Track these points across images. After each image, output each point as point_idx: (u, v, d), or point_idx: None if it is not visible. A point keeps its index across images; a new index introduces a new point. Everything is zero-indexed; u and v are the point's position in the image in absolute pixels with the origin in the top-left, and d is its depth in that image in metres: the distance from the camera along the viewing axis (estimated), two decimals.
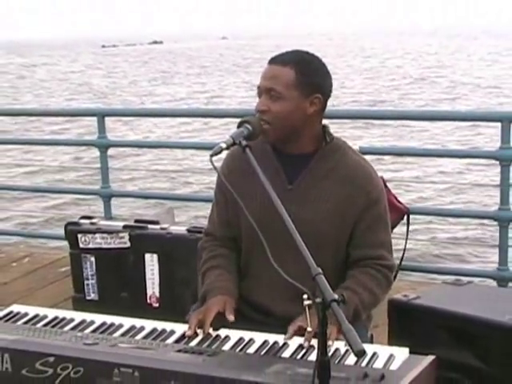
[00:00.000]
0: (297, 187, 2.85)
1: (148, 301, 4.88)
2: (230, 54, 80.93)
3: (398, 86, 37.34)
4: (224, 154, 2.77)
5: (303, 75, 2.78)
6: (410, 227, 5.27)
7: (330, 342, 2.46)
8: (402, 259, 5.26)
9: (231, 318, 2.68)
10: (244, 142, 2.56)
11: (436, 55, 65.55)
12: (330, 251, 2.82)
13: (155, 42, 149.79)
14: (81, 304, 5.01)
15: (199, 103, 31.48)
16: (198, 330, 2.62)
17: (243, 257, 2.99)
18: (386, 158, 14.05)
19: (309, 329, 2.42)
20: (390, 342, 3.05)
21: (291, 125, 2.79)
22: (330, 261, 2.81)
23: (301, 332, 2.51)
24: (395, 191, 5.16)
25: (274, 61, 2.83)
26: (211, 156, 2.50)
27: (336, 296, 2.02)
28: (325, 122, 2.94)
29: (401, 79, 41.28)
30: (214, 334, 2.62)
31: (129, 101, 34.00)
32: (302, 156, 2.88)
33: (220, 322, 2.68)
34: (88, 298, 5.08)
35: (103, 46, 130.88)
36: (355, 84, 38.49)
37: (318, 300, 2.02)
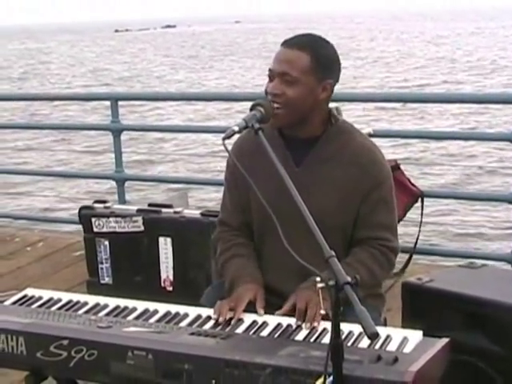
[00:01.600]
0: (303, 170, 2.84)
1: (162, 284, 4.89)
2: (253, 38, 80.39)
3: None
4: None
5: (318, 61, 2.77)
6: (425, 210, 5.25)
7: (315, 324, 2.50)
8: (416, 242, 5.25)
9: (261, 312, 2.66)
10: (257, 125, 2.55)
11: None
12: (338, 233, 2.81)
13: (168, 26, 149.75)
14: (95, 288, 5.02)
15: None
16: (229, 315, 2.62)
17: (256, 240, 2.99)
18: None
19: (322, 311, 2.43)
20: (404, 325, 3.04)
21: (302, 110, 2.78)
22: (339, 242, 2.81)
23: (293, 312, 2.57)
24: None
25: (288, 44, 2.80)
26: (224, 139, 2.50)
27: (349, 278, 2.02)
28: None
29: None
30: (246, 319, 2.61)
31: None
32: (308, 139, 2.87)
33: (250, 308, 2.67)
34: (102, 281, 5.09)
35: (116, 31, 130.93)
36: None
37: (331, 283, 2.02)
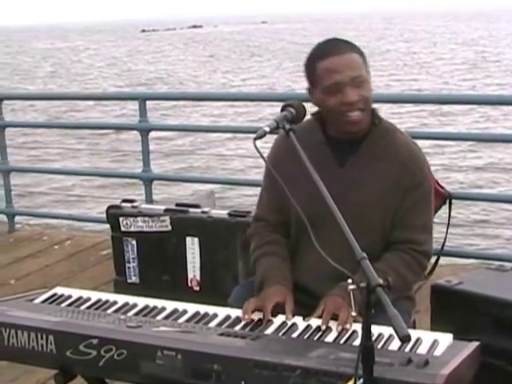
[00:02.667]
0: (347, 170, 2.84)
1: (189, 284, 4.90)
2: (281, 38, 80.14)
3: None
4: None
5: (363, 57, 2.82)
6: (453, 212, 5.23)
7: (347, 326, 2.50)
8: (443, 244, 5.22)
9: (290, 316, 2.64)
10: (288, 126, 2.54)
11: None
12: (378, 233, 2.82)
13: (194, 26, 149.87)
14: (122, 287, 5.05)
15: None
16: (254, 316, 2.61)
17: (292, 240, 2.97)
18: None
19: (353, 313, 2.42)
20: (433, 328, 3.03)
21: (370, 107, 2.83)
22: (379, 243, 2.81)
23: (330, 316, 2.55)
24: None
25: (339, 51, 2.78)
26: (255, 139, 2.49)
27: (381, 281, 2.01)
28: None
29: None
30: (256, 318, 2.61)
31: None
32: (351, 139, 2.86)
33: (277, 311, 2.66)
34: (129, 280, 5.12)
35: (143, 31, 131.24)
36: None
37: (363, 285, 2.02)
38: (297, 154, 2.54)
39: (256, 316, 2.61)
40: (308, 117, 2.83)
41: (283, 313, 2.65)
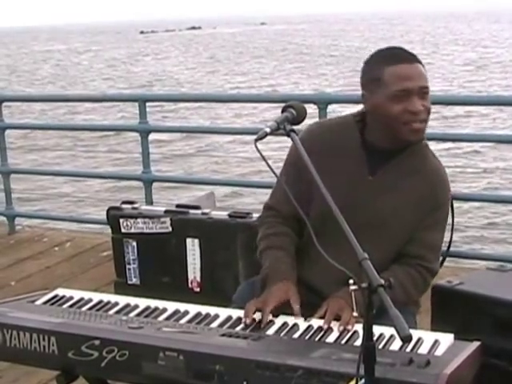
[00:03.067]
0: (377, 179, 2.83)
1: (189, 285, 4.90)
2: (282, 40, 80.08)
3: None
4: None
5: (425, 69, 2.82)
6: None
7: (349, 327, 2.51)
8: (449, 247, 5.21)
9: (297, 306, 2.65)
10: (288, 127, 2.54)
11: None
12: (394, 245, 2.83)
13: (193, 28, 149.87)
14: (122, 288, 5.05)
15: None
16: (256, 317, 2.61)
17: (305, 238, 2.94)
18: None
19: (354, 314, 2.42)
20: (434, 328, 3.03)
21: None
22: (393, 255, 2.83)
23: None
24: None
25: (410, 60, 2.78)
26: (256, 140, 2.49)
27: (382, 281, 2.01)
28: None
29: None
30: (257, 318, 2.61)
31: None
32: (386, 149, 2.85)
33: (279, 310, 2.66)
34: (130, 282, 5.12)
35: (142, 32, 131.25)
36: None
37: (364, 285, 2.02)
38: (327, 150, 2.54)
39: (257, 317, 2.61)
40: (345, 114, 2.83)
41: (285, 313, 2.65)
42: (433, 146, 2.96)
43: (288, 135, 2.53)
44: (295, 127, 2.60)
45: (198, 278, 4.89)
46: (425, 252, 2.87)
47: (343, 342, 2.41)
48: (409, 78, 2.74)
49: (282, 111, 2.63)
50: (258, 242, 3.00)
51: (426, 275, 2.89)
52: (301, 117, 2.66)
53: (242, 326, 2.57)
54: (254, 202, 10.42)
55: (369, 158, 2.86)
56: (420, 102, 2.74)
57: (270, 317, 2.62)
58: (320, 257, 2.79)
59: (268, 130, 2.52)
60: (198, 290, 4.89)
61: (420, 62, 2.79)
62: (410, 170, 2.86)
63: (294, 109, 2.63)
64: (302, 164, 2.60)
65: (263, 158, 2.60)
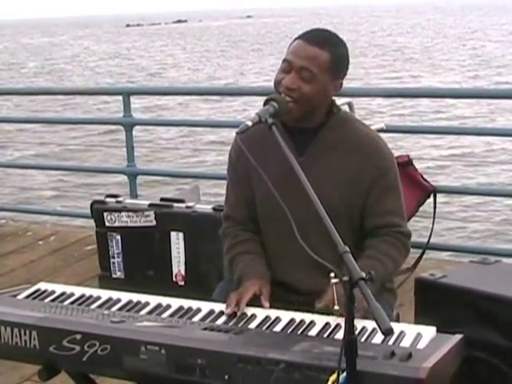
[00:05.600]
0: (306, 159, 2.81)
1: (174, 279, 4.90)
2: (267, 33, 79.88)
3: None
4: None
5: (336, 60, 2.77)
6: (438, 206, 5.24)
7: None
8: (429, 238, 5.24)
9: (266, 304, 2.66)
10: (270, 120, 2.54)
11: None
12: (344, 222, 2.78)
13: (179, 21, 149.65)
14: (107, 282, 5.04)
15: None
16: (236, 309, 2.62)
17: (262, 235, 2.97)
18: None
19: (336, 307, 2.42)
20: (417, 321, 3.03)
21: (313, 105, 2.79)
22: (347, 233, 2.72)
23: (328, 310, 2.51)
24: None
25: (310, 40, 2.77)
26: (237, 134, 2.50)
27: (363, 274, 2.01)
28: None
29: None
30: (249, 313, 2.61)
31: None
32: (310, 129, 2.87)
33: (255, 303, 2.67)
34: (114, 276, 5.11)
35: (128, 25, 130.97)
36: None
37: (346, 278, 2.02)
38: (261, 146, 2.54)
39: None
40: None
41: (260, 306, 2.66)
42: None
43: (270, 128, 2.53)
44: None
45: (183, 272, 4.88)
46: (391, 219, 2.88)
47: (325, 335, 2.41)
48: (294, 53, 2.77)
49: (264, 104, 2.63)
50: (226, 255, 3.03)
51: (403, 238, 2.90)
52: (283, 109, 2.66)
53: (223, 319, 2.57)
54: None
55: (293, 139, 2.86)
56: (296, 80, 2.73)
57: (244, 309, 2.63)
58: (279, 249, 2.83)
59: (250, 123, 2.53)
60: (182, 283, 4.89)
61: (326, 51, 2.74)
62: (337, 144, 2.85)
63: (276, 101, 2.63)
64: (238, 167, 2.63)
65: (246, 152, 2.59)
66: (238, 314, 2.59)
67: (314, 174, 2.72)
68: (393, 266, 2.84)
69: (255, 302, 2.68)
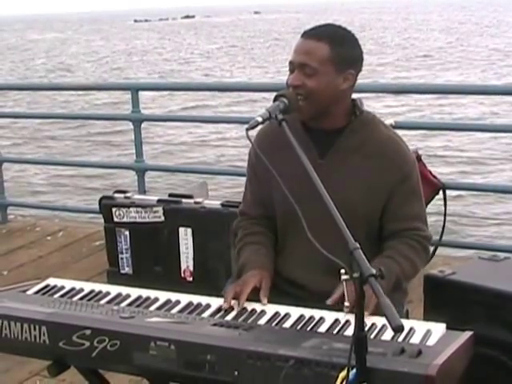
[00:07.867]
0: (327, 162, 2.82)
1: (182, 275, 4.90)
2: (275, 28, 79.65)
3: None
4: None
5: (337, 51, 2.75)
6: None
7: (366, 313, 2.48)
8: (441, 235, 5.22)
9: (265, 301, 2.66)
10: (280, 116, 2.53)
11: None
12: (361, 225, 2.79)
13: (187, 17, 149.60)
14: (115, 278, 5.05)
15: None
16: (233, 302, 2.62)
17: (279, 234, 2.98)
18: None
19: (346, 303, 2.42)
20: (426, 318, 3.03)
21: (325, 100, 2.76)
22: (363, 235, 2.73)
23: (339, 306, 2.50)
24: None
25: (307, 35, 2.79)
26: (247, 130, 2.49)
27: (374, 271, 2.00)
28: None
29: None
30: (249, 308, 2.61)
31: None
32: (332, 131, 2.85)
33: (256, 296, 2.67)
34: (122, 271, 5.12)
35: (135, 21, 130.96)
36: None
37: (356, 275, 2.01)
38: (281, 145, 2.57)
39: (234, 303, 2.63)
40: None
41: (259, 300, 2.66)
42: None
43: (279, 124, 2.52)
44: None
45: (191, 268, 4.89)
46: (414, 223, 2.88)
47: (335, 331, 2.40)
48: (294, 52, 2.79)
49: (274, 100, 2.63)
50: (236, 245, 3.04)
51: (424, 242, 2.91)
52: (293, 106, 2.65)
53: (233, 315, 2.57)
54: None
55: (315, 141, 2.85)
56: (299, 77, 2.74)
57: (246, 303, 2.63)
58: (298, 249, 2.81)
59: (260, 119, 2.52)
60: (190, 279, 4.89)
61: (324, 42, 2.74)
62: (359, 147, 2.84)
63: (286, 98, 2.62)
64: (257, 166, 2.63)
65: (254, 147, 2.60)
66: (238, 309, 2.59)
67: (335, 177, 2.74)
68: (410, 267, 2.83)
69: (255, 296, 2.67)
